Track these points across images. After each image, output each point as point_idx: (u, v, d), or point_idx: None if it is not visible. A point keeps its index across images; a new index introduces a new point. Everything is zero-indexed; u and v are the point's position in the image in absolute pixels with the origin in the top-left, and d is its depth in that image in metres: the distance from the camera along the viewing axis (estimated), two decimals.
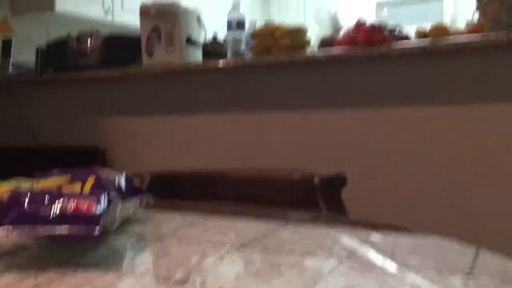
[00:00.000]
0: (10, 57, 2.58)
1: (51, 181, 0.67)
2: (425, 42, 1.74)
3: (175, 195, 0.99)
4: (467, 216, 1.70)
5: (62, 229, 0.54)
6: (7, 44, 2.62)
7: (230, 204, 0.89)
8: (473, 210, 1.70)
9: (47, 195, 0.58)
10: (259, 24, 2.41)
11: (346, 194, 1.00)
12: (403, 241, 0.61)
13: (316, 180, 0.96)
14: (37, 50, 2.53)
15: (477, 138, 1.69)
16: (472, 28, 1.78)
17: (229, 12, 2.14)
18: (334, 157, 1.89)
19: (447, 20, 4.04)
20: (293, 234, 0.66)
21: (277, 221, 0.70)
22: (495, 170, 1.66)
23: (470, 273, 0.48)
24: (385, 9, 4.50)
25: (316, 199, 0.93)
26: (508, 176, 1.65)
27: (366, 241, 0.60)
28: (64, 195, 0.58)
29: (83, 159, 2.27)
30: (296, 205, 0.89)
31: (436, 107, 1.75)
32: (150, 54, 2.18)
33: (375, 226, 0.66)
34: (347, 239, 0.62)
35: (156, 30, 2.15)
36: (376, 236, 0.62)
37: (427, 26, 1.89)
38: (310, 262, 0.54)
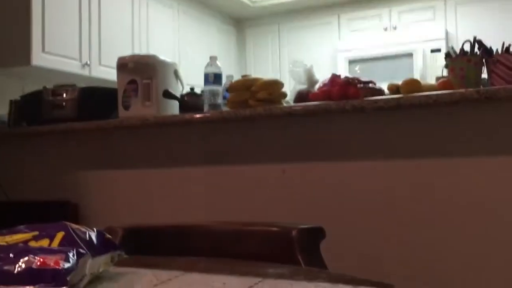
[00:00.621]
0: None
1: (18, 237, 0.63)
2: (398, 96, 1.78)
3: (149, 250, 0.96)
4: (447, 270, 1.69)
5: (27, 286, 0.51)
6: None
7: (205, 260, 0.86)
8: (453, 264, 1.69)
9: (12, 251, 0.55)
10: (236, 77, 2.45)
11: (325, 247, 0.98)
12: None
13: (294, 233, 0.94)
14: (11, 103, 2.50)
15: (449, 190, 1.71)
16: (442, 83, 1.84)
17: (206, 66, 2.18)
18: (313, 210, 1.88)
19: (417, 76, 4.19)
20: None
21: (255, 277, 0.67)
22: (471, 223, 1.67)
23: None
24: (357, 66, 4.65)
25: (295, 253, 0.91)
26: (486, 230, 1.65)
27: None
28: (30, 250, 0.55)
29: (55, 214, 2.20)
30: (274, 259, 0.87)
31: (411, 159, 1.77)
32: (126, 107, 2.17)
33: (356, 282, 0.64)
34: None
35: (133, 83, 2.16)
36: None
37: (399, 81, 1.95)
38: None
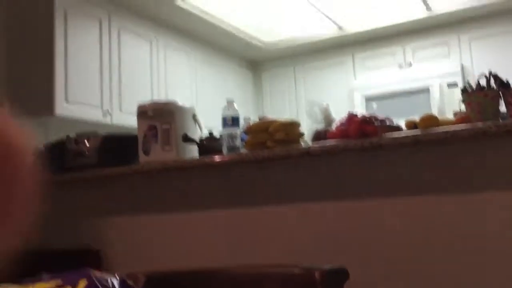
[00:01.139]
0: None
1: (41, 286, 0.64)
2: (415, 132, 1.78)
3: None
4: None
5: None
6: None
7: None
8: None
9: None
10: (253, 119, 2.47)
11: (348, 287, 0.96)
12: None
13: (317, 275, 0.93)
14: None
15: (474, 225, 1.67)
16: (460, 118, 1.83)
17: (224, 109, 2.21)
18: (334, 249, 1.85)
19: (434, 111, 4.18)
20: None
21: None
22: (497, 261, 1.62)
23: None
24: (374, 103, 4.66)
25: None
26: (503, 266, 1.60)
27: None
28: None
29: (76, 261, 2.20)
30: None
31: (431, 196, 1.75)
32: (146, 152, 2.21)
33: None
34: None
35: (152, 129, 2.20)
36: None
37: (416, 117, 1.94)
38: None
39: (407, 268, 1.75)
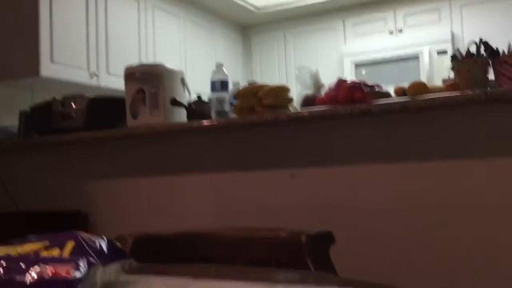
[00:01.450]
0: None
1: (29, 247, 0.64)
2: (404, 98, 1.78)
3: (159, 258, 0.96)
4: (456, 273, 1.68)
5: None
6: None
7: (215, 266, 0.86)
8: (465, 269, 1.67)
9: (23, 261, 0.55)
10: (242, 84, 2.46)
11: (334, 253, 0.98)
12: None
13: (304, 238, 0.94)
14: (21, 114, 2.52)
15: (460, 193, 1.70)
16: (449, 85, 1.84)
17: (213, 73, 2.19)
18: (321, 214, 1.88)
19: (424, 78, 4.18)
20: None
21: (265, 283, 0.67)
22: (482, 226, 1.66)
23: None
24: (364, 70, 4.64)
25: (304, 258, 0.91)
26: (499, 233, 1.64)
27: None
28: (41, 260, 0.56)
29: (65, 223, 2.21)
30: (284, 265, 0.87)
31: (419, 162, 1.77)
32: (134, 116, 2.19)
33: (365, 286, 0.64)
34: None
35: (140, 92, 2.17)
36: None
37: (405, 84, 1.94)
38: None
39: (393, 233, 1.78)
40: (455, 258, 1.68)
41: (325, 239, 0.98)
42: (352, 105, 1.79)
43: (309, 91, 2.12)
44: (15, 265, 0.55)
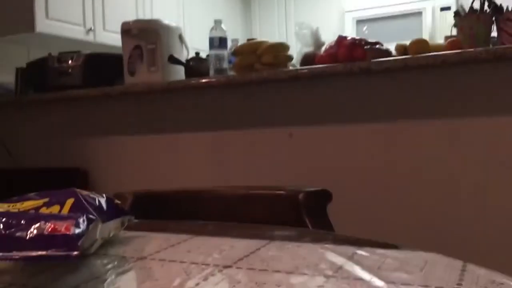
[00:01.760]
0: None
1: (29, 204, 0.64)
2: (405, 56, 1.76)
3: (158, 215, 0.97)
4: (453, 230, 1.70)
5: (39, 252, 0.52)
6: None
7: (213, 223, 0.88)
8: (460, 224, 1.70)
9: (23, 218, 0.56)
10: (241, 41, 2.42)
11: (332, 210, 0.99)
12: (390, 257, 0.60)
13: (301, 196, 0.95)
14: (17, 70, 2.50)
15: (461, 150, 1.70)
16: (451, 43, 1.81)
17: (211, 30, 2.15)
18: (319, 172, 1.89)
19: (426, 36, 4.12)
20: (278, 252, 0.64)
21: (262, 240, 0.68)
22: (480, 184, 1.68)
23: (458, 286, 0.47)
24: (365, 26, 4.56)
25: (301, 215, 0.92)
26: (494, 192, 1.66)
27: (352, 258, 0.59)
28: (41, 217, 0.56)
29: (64, 181, 2.23)
30: (281, 222, 0.88)
31: (420, 121, 1.76)
32: (132, 73, 2.17)
33: (362, 243, 0.65)
34: (334, 256, 0.61)
35: (138, 48, 2.14)
36: (362, 253, 0.61)
37: (407, 42, 1.91)
38: (296, 280, 0.53)
39: (391, 193, 1.80)
40: (454, 215, 1.71)
41: (322, 197, 0.99)
42: (351, 63, 1.77)
43: (309, 49, 2.09)
44: (15, 221, 0.55)
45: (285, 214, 0.96)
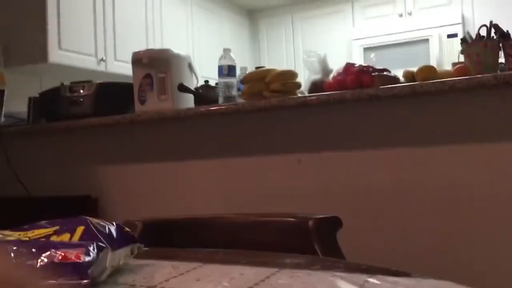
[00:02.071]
0: (1, 108, 2.58)
1: (39, 232, 0.65)
2: (413, 83, 1.76)
3: (168, 243, 0.97)
4: (463, 260, 1.68)
5: (50, 281, 0.52)
6: None
7: (223, 251, 0.87)
8: (471, 253, 1.67)
9: (34, 246, 0.56)
10: (250, 69, 2.44)
11: (342, 237, 0.98)
12: (401, 285, 0.60)
13: (311, 223, 0.95)
14: (30, 100, 2.54)
15: (469, 177, 1.69)
16: (459, 70, 1.82)
17: (220, 58, 2.18)
18: (328, 199, 1.88)
19: (433, 62, 4.14)
20: (288, 280, 0.64)
21: (272, 267, 0.68)
22: (490, 211, 1.65)
23: None
24: (373, 54, 4.60)
25: (311, 243, 0.92)
26: (504, 216, 1.64)
27: (364, 286, 0.58)
28: (52, 245, 0.57)
29: (75, 209, 2.23)
30: (291, 249, 0.87)
31: (427, 147, 1.76)
32: (142, 101, 2.19)
33: (373, 271, 0.64)
34: (345, 284, 0.60)
35: (148, 77, 2.17)
36: (374, 281, 0.61)
37: (414, 68, 1.92)
38: None
39: (401, 218, 1.78)
40: (467, 244, 1.68)
41: (332, 224, 0.99)
42: (360, 90, 1.78)
43: (317, 76, 2.11)
44: (26, 249, 0.56)
45: (295, 242, 0.95)
